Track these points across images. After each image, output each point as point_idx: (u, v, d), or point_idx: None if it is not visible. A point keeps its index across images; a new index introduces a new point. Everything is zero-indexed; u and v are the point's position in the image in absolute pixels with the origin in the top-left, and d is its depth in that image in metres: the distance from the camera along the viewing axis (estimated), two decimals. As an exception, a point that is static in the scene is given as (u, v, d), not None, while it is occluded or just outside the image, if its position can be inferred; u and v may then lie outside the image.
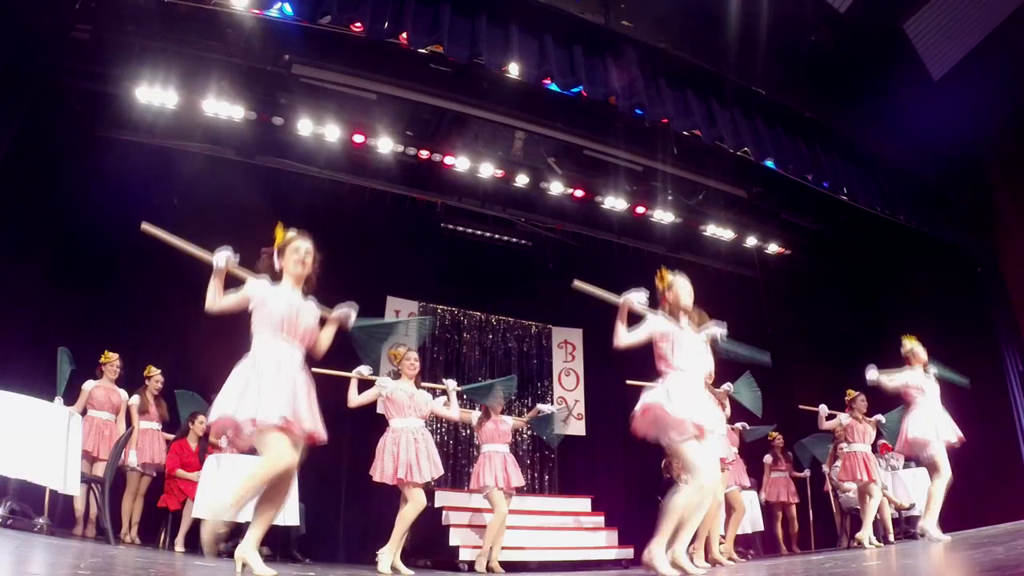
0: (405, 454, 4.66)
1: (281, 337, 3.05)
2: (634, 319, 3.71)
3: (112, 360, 5.89)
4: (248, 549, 2.87)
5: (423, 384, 5.16)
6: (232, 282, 3.20)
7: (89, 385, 5.76)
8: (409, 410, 4.83)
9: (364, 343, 3.72)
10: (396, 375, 5.01)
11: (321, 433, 3.06)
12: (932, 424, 5.02)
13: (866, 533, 5.75)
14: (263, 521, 2.95)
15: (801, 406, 6.75)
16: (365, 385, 4.97)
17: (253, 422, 2.85)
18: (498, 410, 5.80)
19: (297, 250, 3.22)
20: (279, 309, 3.08)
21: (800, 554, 7.41)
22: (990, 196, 8.19)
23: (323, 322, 3.34)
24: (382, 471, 4.68)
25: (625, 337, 3.63)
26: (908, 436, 5.07)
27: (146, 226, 3.32)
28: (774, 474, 7.90)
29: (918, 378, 5.26)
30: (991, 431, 6.94)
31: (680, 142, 7.01)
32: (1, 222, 5.86)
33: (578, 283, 3.94)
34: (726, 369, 5.23)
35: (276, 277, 3.23)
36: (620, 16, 6.23)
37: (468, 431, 7.98)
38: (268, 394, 2.89)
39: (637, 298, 3.71)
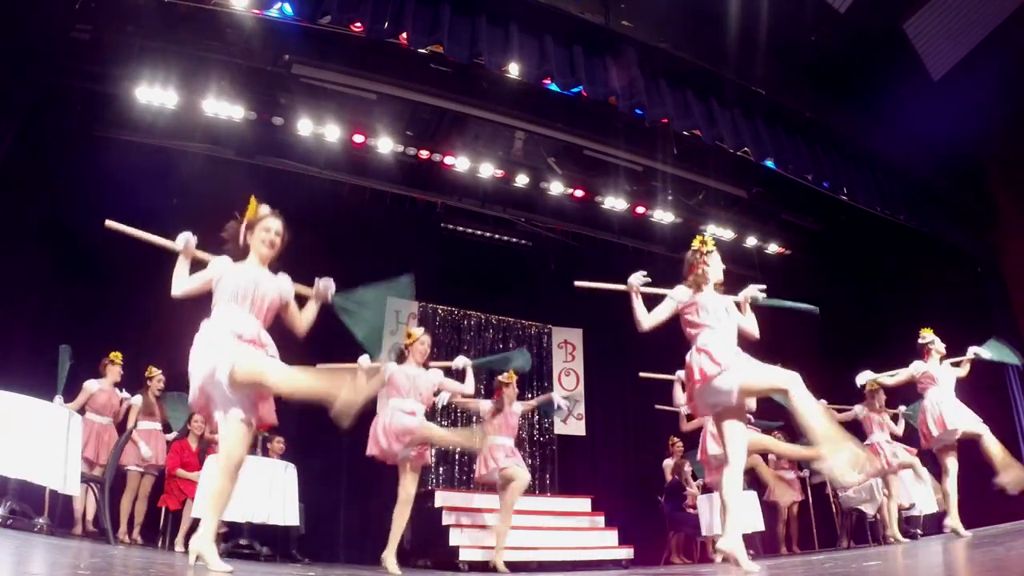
0: (399, 425, 4.54)
1: (238, 307, 2.93)
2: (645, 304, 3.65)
3: (118, 361, 5.89)
4: (204, 543, 2.74)
5: (433, 364, 5.00)
6: (198, 268, 3.12)
7: (93, 385, 5.74)
8: (408, 392, 4.69)
9: (348, 314, 3.55)
10: (401, 358, 4.86)
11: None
12: (959, 410, 5.07)
13: (894, 527, 5.93)
14: (216, 513, 2.84)
15: None
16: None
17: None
18: (512, 397, 5.69)
19: (268, 229, 3.07)
20: (237, 281, 2.96)
21: (800, 554, 7.40)
22: (990, 196, 8.20)
23: (303, 301, 3.24)
24: (376, 443, 4.57)
25: (647, 319, 3.52)
26: (945, 419, 5.02)
27: (110, 223, 3.26)
28: (778, 474, 7.87)
29: (932, 369, 5.28)
30: (991, 431, 6.92)
31: (680, 142, 7.02)
32: (1, 222, 5.86)
33: (579, 283, 3.89)
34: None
35: (242, 253, 3.09)
36: (620, 16, 6.23)
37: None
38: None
39: (639, 280, 3.66)
